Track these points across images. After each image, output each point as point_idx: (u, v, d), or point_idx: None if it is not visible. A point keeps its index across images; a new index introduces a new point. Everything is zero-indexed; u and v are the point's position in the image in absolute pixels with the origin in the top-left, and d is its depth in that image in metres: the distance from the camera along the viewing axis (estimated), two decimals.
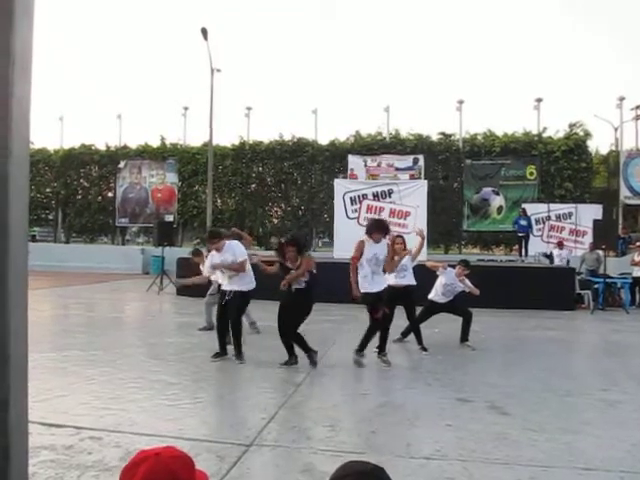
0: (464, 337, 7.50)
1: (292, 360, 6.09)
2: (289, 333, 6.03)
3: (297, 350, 6.12)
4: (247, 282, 6.37)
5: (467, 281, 7.58)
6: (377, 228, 6.18)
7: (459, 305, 7.56)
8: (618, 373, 6.25)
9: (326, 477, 1.25)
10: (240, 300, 6.30)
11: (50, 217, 25.63)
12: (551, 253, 15.31)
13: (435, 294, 7.53)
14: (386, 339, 6.44)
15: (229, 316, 6.32)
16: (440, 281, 7.55)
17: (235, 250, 6.32)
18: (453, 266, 7.65)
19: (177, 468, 1.17)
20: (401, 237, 7.41)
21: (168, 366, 6.12)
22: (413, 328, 7.32)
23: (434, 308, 7.54)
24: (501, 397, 5.04)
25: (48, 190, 25.09)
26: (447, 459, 3.56)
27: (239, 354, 6.28)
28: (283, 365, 6.04)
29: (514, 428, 4.23)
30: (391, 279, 6.87)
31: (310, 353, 6.05)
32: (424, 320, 7.50)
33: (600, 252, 12.96)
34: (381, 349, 6.41)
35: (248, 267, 6.44)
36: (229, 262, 6.21)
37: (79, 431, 3.90)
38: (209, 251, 6.68)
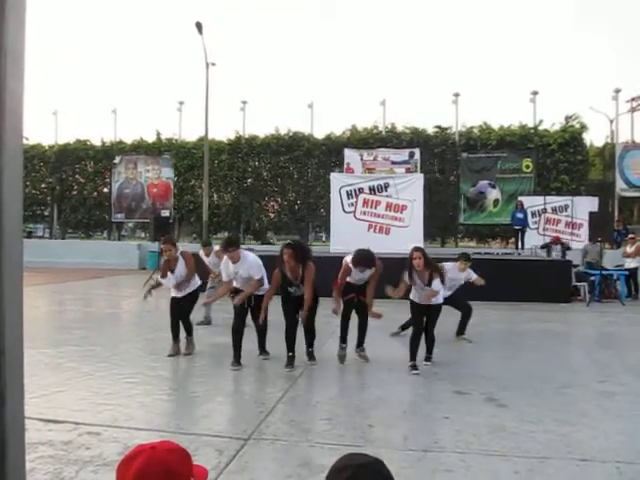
0: (461, 330, 7.47)
1: (294, 359, 6.01)
2: (311, 326, 6.07)
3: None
4: (262, 285, 6.21)
5: (472, 272, 7.56)
6: (360, 262, 5.97)
7: (459, 298, 7.44)
8: (614, 365, 6.29)
9: (324, 470, 1.25)
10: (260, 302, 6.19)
11: (45, 213, 25.54)
12: (550, 245, 15.25)
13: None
14: (364, 333, 6.24)
15: (254, 320, 6.20)
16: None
17: (252, 266, 6.01)
18: (450, 259, 7.61)
19: (172, 461, 1.17)
20: (420, 250, 6.06)
21: (165, 361, 6.12)
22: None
23: None
24: (498, 389, 5.06)
25: (43, 186, 24.95)
26: (444, 451, 3.58)
27: (264, 350, 6.33)
28: (289, 367, 5.89)
29: (511, 420, 4.25)
30: (416, 298, 6.18)
31: (312, 350, 6.15)
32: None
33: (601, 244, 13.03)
34: (359, 343, 6.26)
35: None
36: (244, 277, 6.01)
37: (77, 426, 3.90)
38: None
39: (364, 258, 5.99)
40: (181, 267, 6.39)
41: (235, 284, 6.15)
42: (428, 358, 6.21)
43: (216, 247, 8.26)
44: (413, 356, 5.94)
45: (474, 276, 7.58)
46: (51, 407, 4.31)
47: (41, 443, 3.55)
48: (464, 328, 7.49)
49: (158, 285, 6.57)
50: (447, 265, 7.22)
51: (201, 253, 8.55)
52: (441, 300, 6.13)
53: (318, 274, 6.02)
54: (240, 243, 6.30)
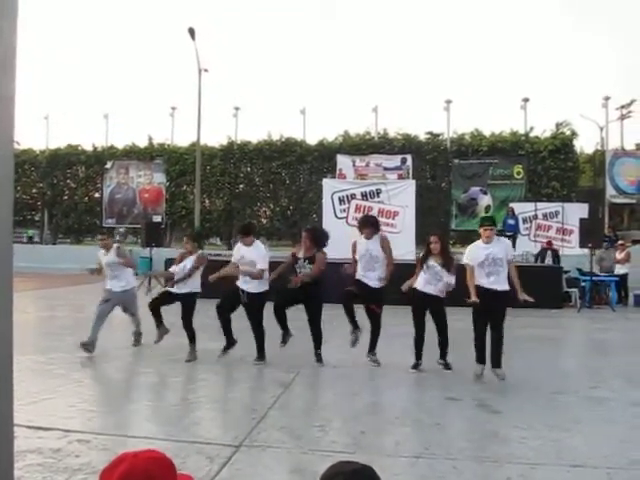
0: (495, 360, 5.64)
1: (288, 334, 6.32)
2: (316, 328, 6.21)
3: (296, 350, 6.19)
4: (262, 283, 6.27)
5: (506, 244, 5.93)
6: (365, 224, 6.25)
7: (501, 307, 5.61)
8: (605, 371, 6.32)
9: (316, 477, 1.25)
10: (257, 302, 6.25)
11: (36, 218, 25.42)
12: (544, 253, 15.32)
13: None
14: (376, 339, 6.31)
15: (250, 320, 6.28)
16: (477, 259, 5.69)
17: (260, 253, 6.26)
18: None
19: (154, 470, 1.16)
20: (436, 235, 6.07)
21: (156, 368, 6.08)
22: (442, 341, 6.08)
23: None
24: (490, 395, 5.07)
25: (34, 191, 24.90)
26: (436, 458, 3.57)
27: (261, 356, 6.28)
28: (282, 343, 6.29)
29: (503, 426, 4.25)
30: (420, 284, 5.97)
31: (320, 352, 6.27)
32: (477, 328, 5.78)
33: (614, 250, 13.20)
34: (370, 348, 6.33)
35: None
36: (248, 260, 6.20)
37: (67, 434, 3.86)
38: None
39: (367, 219, 6.36)
40: (188, 262, 6.49)
41: (240, 279, 6.30)
42: (443, 365, 6.01)
43: (117, 244, 7.35)
44: (417, 355, 6.03)
45: (512, 251, 5.90)
46: (40, 414, 4.26)
47: (30, 451, 3.51)
48: (500, 360, 5.57)
49: (168, 278, 6.78)
50: (468, 250, 5.95)
51: (101, 253, 7.18)
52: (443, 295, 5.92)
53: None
54: (255, 231, 6.65)
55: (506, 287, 5.54)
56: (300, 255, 6.28)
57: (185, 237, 7.06)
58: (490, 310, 5.52)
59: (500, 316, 5.53)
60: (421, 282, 5.98)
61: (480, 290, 5.53)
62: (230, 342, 6.37)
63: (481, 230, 5.72)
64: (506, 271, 5.59)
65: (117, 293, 6.79)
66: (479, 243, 5.77)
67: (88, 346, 6.33)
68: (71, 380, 5.44)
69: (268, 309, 6.27)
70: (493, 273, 5.55)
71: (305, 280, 6.04)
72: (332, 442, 3.85)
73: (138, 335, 7.08)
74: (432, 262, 5.94)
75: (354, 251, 6.30)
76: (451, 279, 5.85)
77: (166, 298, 6.58)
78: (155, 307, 6.54)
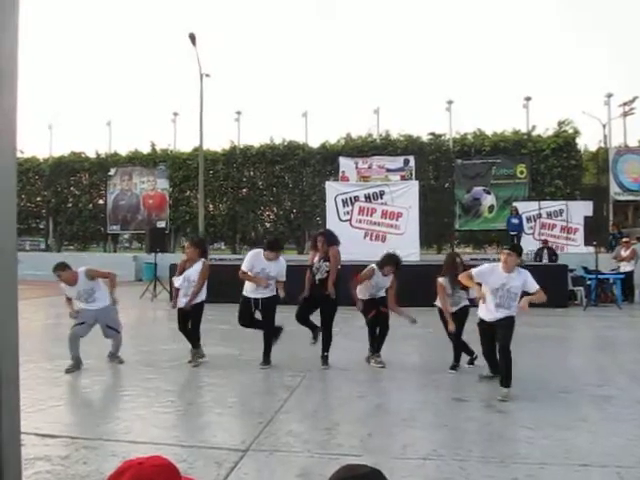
0: (504, 380, 5.10)
1: (317, 330, 6.41)
2: (327, 330, 6.31)
3: (293, 354, 6.16)
4: (272, 289, 6.35)
5: (525, 275, 5.45)
6: (393, 265, 6.30)
7: (506, 329, 5.17)
8: (611, 369, 6.30)
9: None
10: (272, 305, 6.35)
11: (41, 226, 25.51)
12: (541, 253, 15.33)
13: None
14: (382, 340, 6.42)
15: (264, 323, 6.36)
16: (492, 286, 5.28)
17: (281, 268, 6.34)
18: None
19: (159, 477, 1.16)
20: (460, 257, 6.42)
21: (163, 373, 6.09)
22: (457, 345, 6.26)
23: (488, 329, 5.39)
24: (496, 396, 5.05)
25: (38, 199, 24.99)
26: (444, 459, 3.57)
27: (266, 361, 6.30)
28: (313, 340, 6.41)
29: (510, 426, 4.25)
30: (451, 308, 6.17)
31: (327, 355, 6.35)
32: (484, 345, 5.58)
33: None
34: (376, 349, 6.42)
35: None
36: (271, 275, 6.26)
37: (74, 441, 3.87)
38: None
39: (397, 261, 6.37)
40: (193, 271, 6.46)
41: (248, 286, 6.34)
42: (454, 367, 6.21)
43: (82, 268, 6.52)
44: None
45: (533, 284, 5.33)
46: (48, 421, 4.27)
47: (38, 458, 3.52)
48: (506, 378, 5.04)
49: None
50: (484, 267, 5.44)
51: (65, 287, 6.64)
52: (466, 302, 6.16)
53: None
54: (282, 247, 6.69)
55: (513, 314, 5.18)
56: (315, 260, 6.36)
57: (187, 242, 7.04)
58: (495, 332, 5.26)
59: (506, 336, 5.09)
60: (451, 306, 6.17)
61: (484, 324, 5.38)
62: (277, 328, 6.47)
63: (500, 254, 5.31)
64: (517, 304, 5.18)
65: (93, 311, 6.40)
66: (499, 268, 5.26)
67: (74, 368, 6.09)
68: (77, 387, 5.47)
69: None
70: (503, 306, 5.17)
71: (330, 284, 6.16)
72: (339, 445, 3.85)
73: (113, 355, 6.62)
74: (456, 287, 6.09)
75: (369, 277, 6.32)
76: (471, 294, 5.93)
77: (185, 317, 6.55)
78: (183, 329, 6.56)
